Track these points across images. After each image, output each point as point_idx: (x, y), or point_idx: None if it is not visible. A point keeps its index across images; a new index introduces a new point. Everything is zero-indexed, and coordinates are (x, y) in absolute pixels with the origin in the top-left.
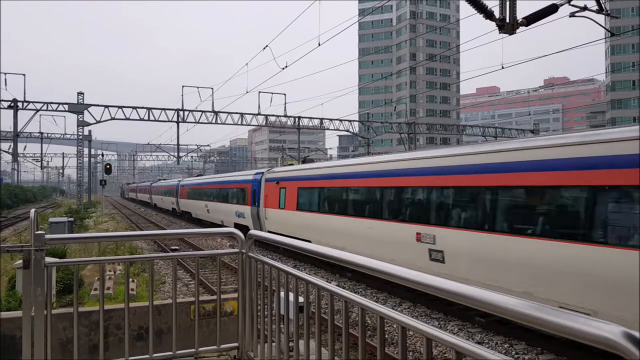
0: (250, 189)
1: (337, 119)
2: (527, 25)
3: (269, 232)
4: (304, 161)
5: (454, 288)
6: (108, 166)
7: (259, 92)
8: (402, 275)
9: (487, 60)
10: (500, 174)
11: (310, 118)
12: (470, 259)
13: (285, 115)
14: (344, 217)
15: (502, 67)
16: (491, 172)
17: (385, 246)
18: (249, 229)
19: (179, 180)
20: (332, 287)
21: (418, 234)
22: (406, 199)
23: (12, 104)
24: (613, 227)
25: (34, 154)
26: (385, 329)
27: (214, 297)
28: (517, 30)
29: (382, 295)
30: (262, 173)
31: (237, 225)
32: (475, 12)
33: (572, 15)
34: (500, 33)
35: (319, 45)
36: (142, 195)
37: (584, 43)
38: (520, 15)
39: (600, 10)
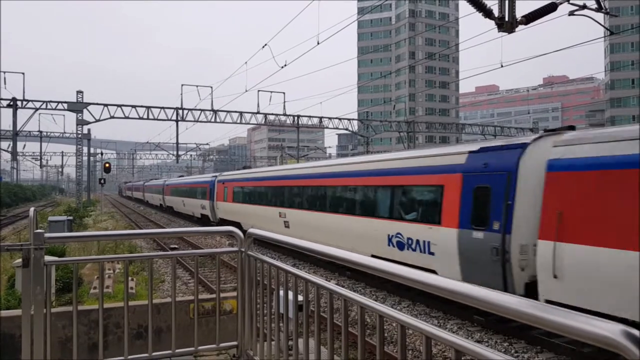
0: (208, 188)
1: (336, 118)
2: (526, 24)
3: (220, 219)
4: (245, 167)
5: (454, 287)
6: (107, 165)
7: (258, 90)
8: (402, 274)
9: (486, 58)
10: (313, 179)
11: (310, 117)
12: (303, 226)
13: (285, 114)
14: (253, 206)
15: (502, 66)
16: (306, 178)
17: (267, 221)
18: (209, 218)
19: (165, 180)
20: (331, 285)
21: (280, 213)
22: (272, 194)
23: (12, 103)
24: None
25: (33, 152)
26: (385, 327)
27: (213, 295)
28: (517, 29)
29: (382, 294)
30: (216, 176)
31: (202, 215)
32: (475, 10)
33: (571, 13)
34: (499, 32)
35: (318, 43)
36: (137, 193)
37: (583, 41)
38: (520, 13)
39: (599, 9)
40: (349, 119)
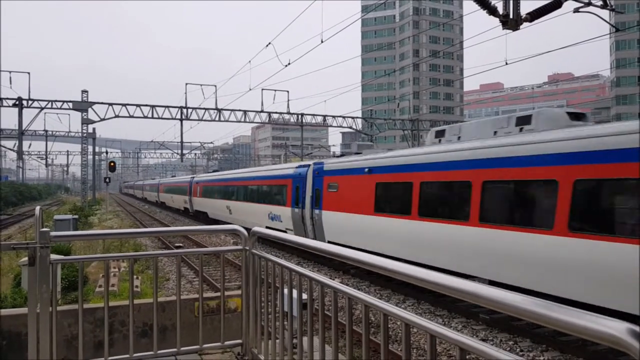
0: (188, 186)
1: (340, 116)
2: (531, 21)
3: (195, 210)
4: (214, 171)
5: (459, 285)
6: (112, 164)
7: (262, 89)
8: (407, 272)
9: (490, 56)
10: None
11: (314, 115)
12: (238, 212)
13: (289, 112)
14: (212, 200)
15: (506, 63)
16: (236, 180)
17: (219, 209)
18: (188, 209)
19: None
20: (335, 284)
21: (226, 205)
22: (221, 191)
23: (17, 102)
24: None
25: (39, 151)
26: (389, 326)
27: (218, 294)
28: (521, 26)
29: (386, 292)
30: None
31: (185, 208)
32: (479, 8)
33: (576, 10)
34: (504, 29)
35: (322, 42)
36: (137, 191)
37: (588, 39)
38: (524, 11)
39: (604, 6)
40: (353, 117)
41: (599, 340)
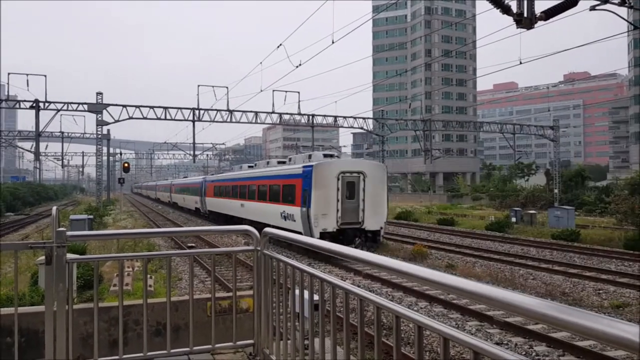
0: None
1: (351, 117)
2: (545, 20)
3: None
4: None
5: (473, 289)
6: (126, 165)
7: (273, 90)
8: (419, 275)
9: (504, 55)
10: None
11: (324, 116)
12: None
13: (299, 113)
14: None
15: (520, 63)
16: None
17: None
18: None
19: (204, 178)
20: (347, 285)
21: (199, 200)
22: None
23: (34, 105)
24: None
25: (55, 152)
26: (401, 328)
27: (230, 294)
28: (536, 25)
29: (398, 294)
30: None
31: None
32: (493, 7)
33: (592, 8)
34: (518, 28)
35: (333, 42)
36: (150, 192)
37: (605, 37)
38: (539, 9)
39: (622, 3)
40: (364, 118)
41: (615, 344)
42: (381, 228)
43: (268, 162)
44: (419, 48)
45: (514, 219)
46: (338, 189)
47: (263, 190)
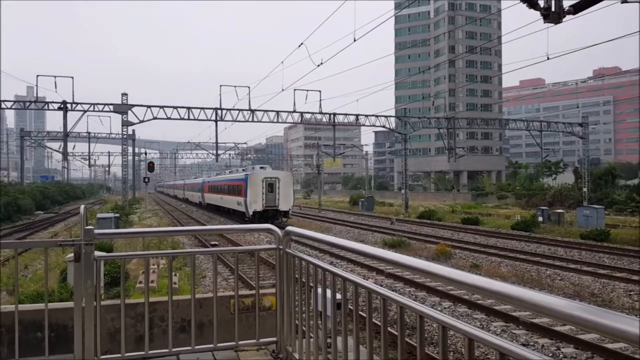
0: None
1: (373, 115)
2: (574, 14)
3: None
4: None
5: (499, 289)
6: (151, 164)
7: (295, 89)
8: (444, 274)
9: (531, 51)
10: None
11: (346, 114)
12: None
13: (321, 112)
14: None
15: (548, 58)
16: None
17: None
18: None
19: (203, 180)
20: (369, 284)
21: (199, 196)
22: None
23: (62, 106)
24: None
25: (82, 152)
26: (424, 328)
27: (253, 291)
28: (564, 19)
29: (421, 294)
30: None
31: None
32: (519, 1)
33: (624, 1)
34: (545, 23)
35: (355, 40)
36: (169, 190)
37: (637, 30)
38: (567, 3)
39: None
40: (386, 116)
41: None
42: (289, 209)
43: (230, 171)
44: (442, 45)
45: (540, 219)
46: (263, 187)
47: (230, 188)
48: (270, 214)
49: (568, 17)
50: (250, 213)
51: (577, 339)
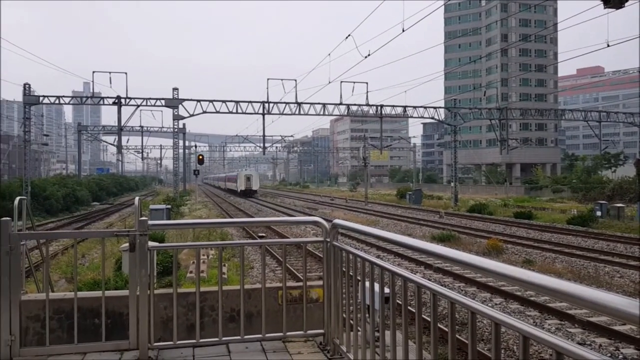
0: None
1: (421, 106)
2: None
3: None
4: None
5: (555, 285)
6: (200, 157)
7: (341, 81)
8: (496, 270)
9: (589, 38)
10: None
11: (393, 106)
12: (225, 185)
13: (367, 104)
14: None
15: (608, 45)
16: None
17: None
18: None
19: (226, 175)
20: (418, 278)
21: (225, 185)
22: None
23: (117, 101)
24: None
25: (136, 146)
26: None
27: (300, 283)
28: (626, 4)
29: (471, 289)
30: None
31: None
32: None
33: None
34: (605, 8)
35: (403, 31)
36: (215, 182)
37: None
38: None
39: None
40: (435, 107)
41: None
42: (257, 189)
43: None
44: (494, 33)
45: (599, 213)
46: (244, 178)
47: (231, 178)
48: (247, 192)
49: (630, 1)
50: (239, 190)
51: (639, 340)
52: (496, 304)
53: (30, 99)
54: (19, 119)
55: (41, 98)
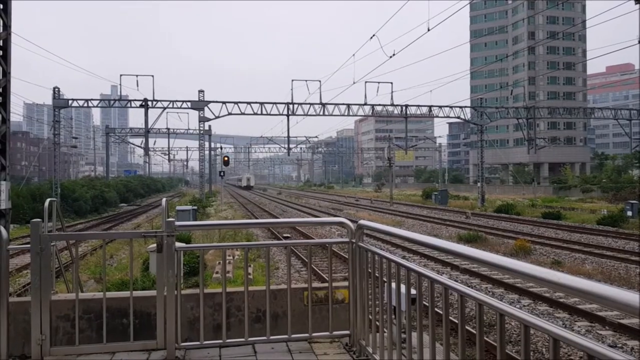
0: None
1: (447, 106)
2: None
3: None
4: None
5: (585, 287)
6: (226, 158)
7: (366, 82)
8: (526, 271)
9: (619, 34)
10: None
11: (418, 106)
12: (238, 183)
13: (392, 104)
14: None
15: (638, 42)
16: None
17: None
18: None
19: (238, 177)
20: (445, 279)
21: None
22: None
23: (144, 103)
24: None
25: (162, 148)
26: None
27: (325, 284)
28: None
29: (499, 291)
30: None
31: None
32: None
33: None
34: (637, 4)
35: (429, 30)
36: (231, 182)
37: None
38: None
39: None
40: (461, 107)
41: None
42: (253, 185)
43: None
44: (521, 31)
45: (629, 213)
46: (245, 178)
47: (240, 179)
48: (247, 187)
49: None
50: (243, 185)
51: None
52: (524, 306)
53: (60, 102)
54: (48, 122)
55: (70, 101)
